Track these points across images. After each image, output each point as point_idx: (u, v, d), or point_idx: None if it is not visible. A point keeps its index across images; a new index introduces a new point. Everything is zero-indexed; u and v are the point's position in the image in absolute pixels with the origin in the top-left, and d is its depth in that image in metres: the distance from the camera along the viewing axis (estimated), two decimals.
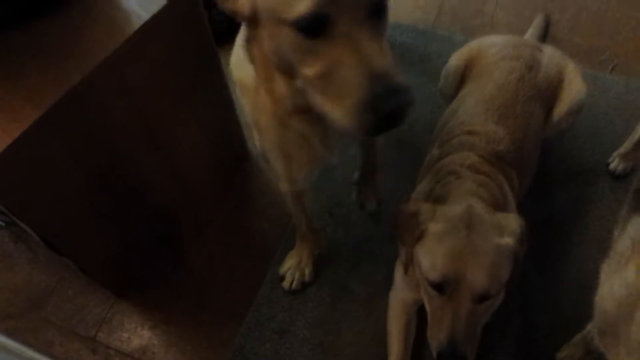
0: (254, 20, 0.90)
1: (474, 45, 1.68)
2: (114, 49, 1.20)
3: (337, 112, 0.84)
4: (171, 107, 1.47)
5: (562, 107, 1.55)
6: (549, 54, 1.60)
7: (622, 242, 1.08)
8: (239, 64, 1.10)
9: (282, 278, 1.61)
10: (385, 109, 0.80)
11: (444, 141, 1.44)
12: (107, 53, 1.19)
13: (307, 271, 1.60)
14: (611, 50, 2.02)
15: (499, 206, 1.23)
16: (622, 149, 1.71)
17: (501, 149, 1.38)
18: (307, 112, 0.95)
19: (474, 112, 1.46)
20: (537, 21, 2.00)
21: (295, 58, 0.85)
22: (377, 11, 0.83)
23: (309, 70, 0.84)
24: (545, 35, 2.00)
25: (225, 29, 2.06)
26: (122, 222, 1.54)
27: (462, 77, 1.65)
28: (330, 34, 0.81)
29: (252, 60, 0.99)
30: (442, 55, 1.99)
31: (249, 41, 0.97)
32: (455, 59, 1.67)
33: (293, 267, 1.60)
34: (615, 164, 1.72)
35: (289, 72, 0.90)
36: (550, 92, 1.55)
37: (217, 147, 1.75)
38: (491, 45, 1.64)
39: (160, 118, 1.45)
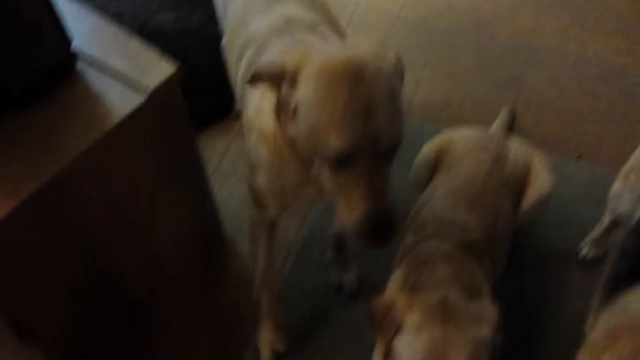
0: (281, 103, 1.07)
1: (444, 137, 1.75)
2: (93, 142, 1.22)
3: (343, 215, 1.04)
4: (148, 195, 1.48)
5: (530, 198, 1.59)
6: (516, 147, 1.67)
7: (596, 334, 1.09)
8: (261, 113, 1.20)
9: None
10: (374, 231, 1.02)
11: (417, 229, 1.46)
12: (85, 146, 1.21)
13: (278, 344, 1.62)
14: (576, 140, 2.11)
15: (473, 295, 1.24)
16: (592, 236, 1.76)
17: (473, 238, 1.40)
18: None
19: (445, 201, 1.50)
20: (503, 114, 2.09)
21: (318, 168, 1.05)
22: (389, 156, 1.03)
23: (327, 177, 1.04)
24: (511, 127, 2.09)
25: (203, 119, 2.13)
26: (94, 303, 1.51)
27: (434, 167, 1.70)
28: (352, 166, 1.00)
29: (277, 119, 1.11)
30: (414, 145, 2.04)
31: (279, 110, 1.09)
32: (427, 150, 1.73)
33: (262, 347, 1.62)
34: (586, 250, 1.76)
35: (307, 161, 1.07)
36: (518, 183, 1.60)
37: (193, 230, 1.76)
38: (461, 137, 1.71)
39: (137, 205, 1.46)
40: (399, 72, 1.08)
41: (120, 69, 1.35)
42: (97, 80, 1.34)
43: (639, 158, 1.42)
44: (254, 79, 1.06)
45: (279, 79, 1.04)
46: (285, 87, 1.04)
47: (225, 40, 1.62)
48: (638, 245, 1.17)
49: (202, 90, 2.13)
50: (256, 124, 1.23)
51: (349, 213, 1.03)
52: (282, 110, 1.08)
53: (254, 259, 1.54)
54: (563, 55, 2.41)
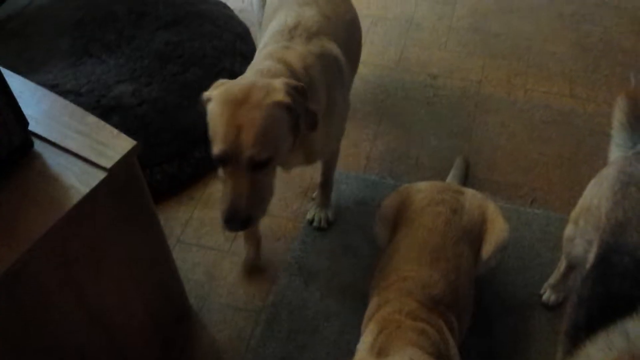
0: None
1: (402, 191, 1.80)
2: (52, 225, 1.21)
3: (220, 206, 1.38)
4: (108, 272, 1.46)
5: (488, 247, 1.64)
6: (470, 197, 1.73)
7: None
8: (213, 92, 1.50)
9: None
10: (227, 218, 1.35)
11: (382, 288, 1.48)
12: (44, 231, 1.20)
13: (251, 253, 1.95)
14: (528, 186, 2.18)
15: (440, 353, 1.26)
16: (552, 280, 1.80)
17: (437, 293, 1.43)
18: None
19: (408, 257, 1.54)
20: (457, 163, 2.16)
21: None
22: (256, 167, 1.35)
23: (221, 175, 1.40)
24: (466, 176, 2.15)
25: (165, 188, 2.13)
26: None
27: (394, 222, 1.74)
28: (226, 167, 1.36)
29: None
30: (375, 199, 2.10)
31: None
32: (387, 206, 1.77)
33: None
34: (548, 295, 1.80)
35: None
36: (475, 233, 1.65)
37: (156, 306, 1.73)
38: (418, 190, 1.76)
39: (97, 283, 1.44)
40: (283, 105, 1.35)
41: (79, 148, 1.35)
42: (55, 160, 1.34)
43: (587, 201, 1.48)
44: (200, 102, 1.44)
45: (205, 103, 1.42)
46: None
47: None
48: (593, 292, 1.21)
49: (162, 158, 2.13)
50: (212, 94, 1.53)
51: (222, 197, 1.38)
52: None
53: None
54: (510, 102, 2.51)
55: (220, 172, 1.42)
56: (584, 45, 2.77)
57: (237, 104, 1.34)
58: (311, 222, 2.06)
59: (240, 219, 1.35)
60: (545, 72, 2.65)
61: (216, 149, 1.35)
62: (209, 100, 1.40)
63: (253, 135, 1.31)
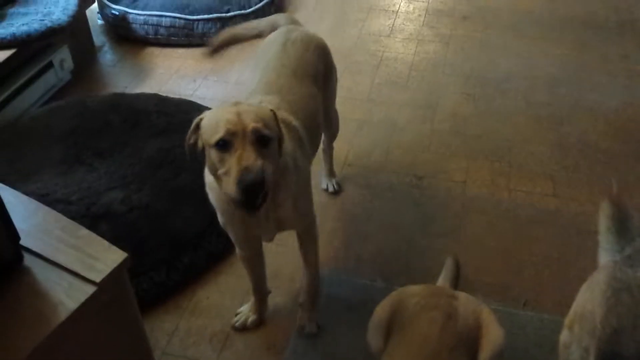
0: (204, 153, 1.55)
1: (395, 296, 1.78)
2: (38, 343, 1.18)
3: (226, 187, 1.46)
4: None
5: (484, 354, 1.60)
6: (464, 301, 1.71)
7: None
8: (207, 173, 1.66)
9: (236, 315, 2.07)
10: (243, 182, 1.41)
11: None
12: (30, 349, 1.17)
13: (250, 320, 2.05)
14: (520, 287, 2.18)
15: None
16: None
17: None
18: None
19: None
20: (448, 264, 2.15)
21: (216, 163, 1.48)
22: (259, 142, 1.46)
23: (221, 170, 1.47)
24: (457, 277, 2.14)
25: (152, 296, 2.10)
26: None
27: (388, 329, 1.71)
28: (230, 150, 1.45)
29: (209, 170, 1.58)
30: (367, 303, 2.06)
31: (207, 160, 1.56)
32: (379, 312, 1.74)
33: (244, 312, 2.07)
34: None
35: (216, 175, 1.52)
36: (471, 338, 1.62)
37: None
38: (411, 295, 1.74)
39: None
40: (271, 111, 1.57)
41: (68, 263, 1.35)
42: (45, 275, 1.33)
43: (580, 307, 1.47)
44: (187, 144, 1.59)
45: (197, 128, 1.55)
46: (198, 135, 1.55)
47: None
48: None
49: (150, 266, 2.12)
50: (206, 180, 1.71)
51: (228, 181, 1.44)
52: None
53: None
54: (495, 202, 2.56)
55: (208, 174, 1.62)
56: (563, 146, 2.87)
57: (232, 105, 1.54)
58: (300, 329, 2.02)
59: (261, 184, 1.42)
60: (527, 172, 2.72)
61: (220, 133, 1.45)
62: (200, 120, 1.56)
63: (254, 115, 1.48)
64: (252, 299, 2.06)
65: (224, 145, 1.45)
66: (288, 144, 1.71)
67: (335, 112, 2.38)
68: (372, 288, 2.16)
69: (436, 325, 1.60)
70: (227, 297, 2.16)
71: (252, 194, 1.44)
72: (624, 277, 1.32)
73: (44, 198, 2.13)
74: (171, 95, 3.12)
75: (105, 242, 1.42)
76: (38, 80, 3.06)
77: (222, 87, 3.36)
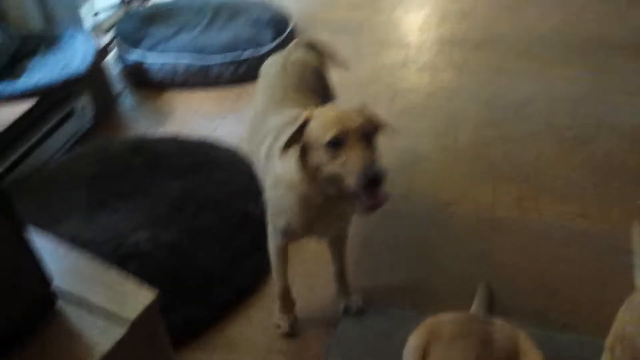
0: (304, 148, 1.65)
1: (428, 324, 1.74)
2: None
3: (349, 179, 1.55)
4: None
5: None
6: (500, 327, 1.67)
7: None
8: (288, 171, 1.75)
9: (278, 327, 2.13)
10: (369, 174, 1.51)
11: None
12: None
13: (292, 318, 2.13)
14: (556, 309, 2.12)
15: None
16: None
17: None
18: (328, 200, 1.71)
19: None
20: (480, 290, 2.12)
21: (325, 161, 1.59)
22: (368, 136, 1.59)
23: (332, 167, 1.58)
24: (491, 303, 2.10)
25: (182, 333, 2.08)
26: None
27: (423, 357, 1.66)
28: (343, 146, 1.56)
29: (301, 168, 1.68)
30: (399, 332, 2.00)
31: (301, 158, 1.67)
32: (414, 341, 1.71)
33: (281, 317, 2.13)
34: None
35: (318, 172, 1.64)
36: None
37: None
38: (445, 322, 1.71)
39: None
40: (370, 112, 1.68)
41: (100, 303, 1.35)
42: (77, 317, 1.33)
43: (620, 329, 1.43)
44: (288, 142, 1.64)
45: (302, 127, 1.63)
46: (304, 132, 1.63)
47: (247, 138, 2.25)
48: None
49: (179, 302, 2.10)
50: (286, 179, 1.76)
51: (350, 171, 1.54)
52: (304, 147, 1.65)
53: (276, 273, 2.08)
54: (524, 224, 2.52)
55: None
56: (589, 166, 2.83)
57: (338, 109, 1.68)
58: (346, 311, 2.17)
59: (383, 176, 1.52)
60: (554, 194, 2.68)
61: (330, 133, 1.56)
62: (305, 122, 1.64)
63: (360, 114, 1.61)
64: (279, 304, 2.13)
65: (336, 143, 1.56)
66: None
67: None
68: (403, 316, 2.11)
69: (473, 354, 1.56)
70: (258, 331, 2.13)
71: (375, 185, 1.54)
72: None
73: (72, 241, 2.14)
74: (191, 137, 3.15)
75: (136, 281, 1.42)
76: (61, 128, 3.11)
77: (241, 125, 3.38)
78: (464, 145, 3.06)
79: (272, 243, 2.03)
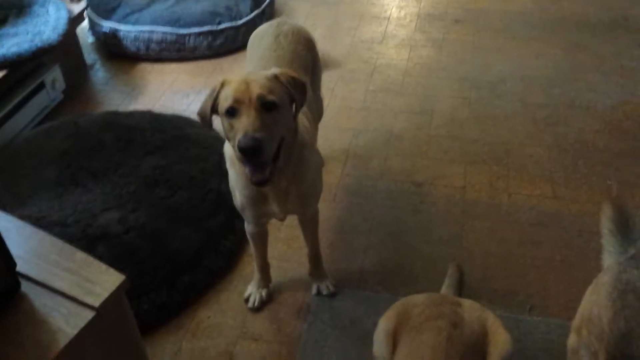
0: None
1: (398, 306, 1.76)
2: None
3: (233, 149, 1.59)
4: None
5: (494, 358, 1.58)
6: (469, 308, 1.69)
7: None
8: (228, 148, 1.77)
9: (246, 300, 2.16)
10: (241, 142, 1.51)
11: None
12: None
13: (263, 293, 2.16)
14: (524, 292, 2.16)
15: None
16: None
17: None
18: None
19: None
20: (451, 272, 2.14)
21: (228, 131, 1.60)
22: (267, 107, 1.56)
23: (232, 135, 1.58)
24: (461, 285, 2.12)
25: (153, 317, 2.07)
26: None
27: (393, 341, 1.68)
28: (238, 116, 1.56)
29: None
30: (370, 315, 2.05)
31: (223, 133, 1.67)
32: (384, 323, 1.73)
33: (254, 291, 2.17)
34: None
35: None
36: (478, 346, 1.60)
37: None
38: (415, 305, 1.72)
39: None
40: (277, 77, 1.65)
41: (65, 288, 1.32)
42: (42, 302, 1.30)
43: (587, 310, 1.45)
44: (203, 111, 1.68)
45: (214, 93, 1.64)
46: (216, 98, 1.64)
47: None
48: None
49: (150, 286, 2.09)
50: (228, 155, 1.79)
51: (235, 139, 1.54)
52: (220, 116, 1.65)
53: (254, 253, 2.12)
54: (495, 206, 2.54)
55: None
56: (560, 147, 2.86)
57: (242, 80, 1.61)
58: (318, 293, 2.19)
59: (255, 140, 1.49)
60: (525, 174, 2.71)
61: (228, 101, 1.56)
62: (220, 88, 1.64)
63: (260, 84, 1.58)
64: (256, 277, 2.17)
65: (232, 112, 1.57)
66: (304, 121, 1.85)
67: (320, 98, 2.47)
68: (376, 299, 2.13)
69: (442, 335, 1.58)
70: (229, 316, 2.13)
71: (252, 157, 1.53)
72: (629, 278, 1.30)
73: (39, 222, 2.11)
74: (165, 112, 3.10)
75: (103, 265, 1.39)
76: (30, 101, 3.03)
77: None
78: (439, 124, 3.06)
79: (245, 228, 2.05)
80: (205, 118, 1.69)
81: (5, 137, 2.84)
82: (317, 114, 2.44)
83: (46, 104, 3.18)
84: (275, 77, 1.64)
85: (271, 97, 1.57)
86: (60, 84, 3.27)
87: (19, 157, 2.65)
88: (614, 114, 3.06)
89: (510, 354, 1.61)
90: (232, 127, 1.57)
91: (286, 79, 1.65)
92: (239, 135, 1.52)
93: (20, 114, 2.96)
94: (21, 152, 2.68)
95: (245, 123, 1.53)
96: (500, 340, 1.64)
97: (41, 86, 3.11)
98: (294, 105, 1.68)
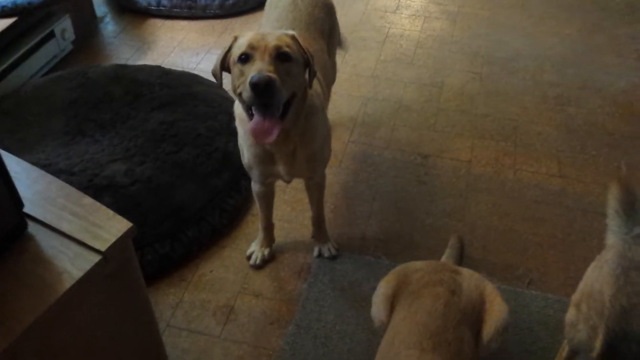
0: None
1: (399, 271, 1.77)
2: (42, 312, 1.17)
3: (244, 95, 1.54)
4: (97, 358, 1.40)
5: (488, 329, 1.60)
6: (468, 277, 1.71)
7: None
8: (237, 105, 1.77)
9: (249, 257, 2.18)
10: (253, 79, 1.48)
11: None
12: (34, 317, 1.15)
13: (266, 252, 2.18)
14: (524, 266, 2.17)
15: None
16: None
17: None
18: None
19: (409, 342, 1.49)
20: (452, 243, 2.15)
21: (238, 78, 1.58)
22: (282, 58, 1.55)
23: (242, 81, 1.56)
24: (461, 256, 2.14)
25: (156, 268, 2.09)
26: None
27: (392, 304, 1.70)
28: (251, 62, 1.54)
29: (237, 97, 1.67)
30: (370, 280, 2.07)
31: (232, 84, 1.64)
32: (383, 287, 1.74)
33: (256, 249, 2.18)
34: None
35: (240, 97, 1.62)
36: (475, 314, 1.62)
37: None
38: (415, 270, 1.74)
39: None
40: (296, 38, 1.64)
41: (73, 230, 1.33)
42: (49, 243, 1.31)
43: (588, 286, 1.46)
44: (220, 66, 1.67)
45: (228, 50, 1.63)
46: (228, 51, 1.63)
47: None
48: None
49: (154, 238, 2.10)
50: (237, 113, 1.78)
51: (244, 88, 1.52)
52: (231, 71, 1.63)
53: (260, 213, 2.13)
54: (500, 182, 2.54)
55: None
56: (569, 127, 2.84)
57: (260, 34, 1.60)
58: (319, 255, 2.21)
59: (268, 77, 1.47)
60: (533, 152, 2.70)
61: (242, 49, 1.55)
62: (235, 39, 1.63)
63: (276, 36, 1.57)
64: (260, 236, 2.18)
65: (245, 58, 1.54)
66: (317, 86, 1.83)
67: (334, 63, 2.43)
68: (376, 265, 2.15)
69: (440, 301, 1.59)
70: (230, 272, 2.15)
71: (263, 95, 1.49)
72: (634, 255, 1.30)
73: (46, 169, 2.09)
74: (174, 68, 3.08)
75: (110, 211, 1.40)
76: (39, 50, 3.02)
77: None
78: (448, 98, 3.04)
79: (252, 187, 2.05)
80: (216, 75, 1.68)
81: (14, 83, 2.83)
82: (331, 79, 2.44)
83: (55, 54, 3.16)
84: (293, 37, 1.63)
85: (287, 49, 1.56)
86: (70, 35, 3.25)
87: (27, 103, 2.64)
88: (626, 97, 3.04)
89: (506, 323, 1.63)
90: (242, 73, 1.55)
91: (303, 43, 1.64)
92: (251, 74, 1.49)
93: (29, 61, 2.95)
94: (29, 99, 2.67)
95: (259, 65, 1.51)
96: (497, 309, 1.65)
97: (51, 35, 3.09)
98: (307, 71, 1.67)
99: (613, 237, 1.58)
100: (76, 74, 2.83)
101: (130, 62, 3.25)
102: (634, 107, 2.97)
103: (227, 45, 1.65)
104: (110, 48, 3.48)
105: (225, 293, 2.08)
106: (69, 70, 2.94)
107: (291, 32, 1.66)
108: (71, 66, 3.14)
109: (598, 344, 1.27)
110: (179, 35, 3.56)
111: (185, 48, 3.44)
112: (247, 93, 1.52)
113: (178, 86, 2.78)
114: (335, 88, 2.65)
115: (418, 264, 1.79)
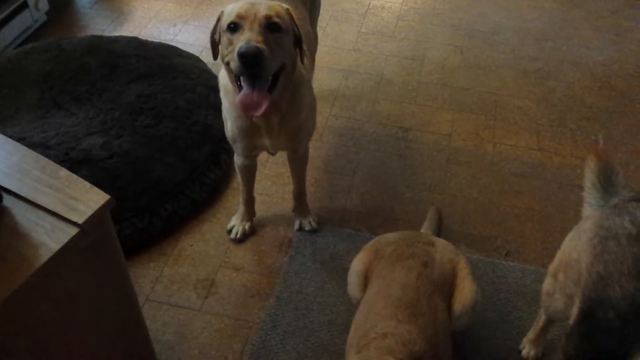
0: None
1: (371, 246, 1.78)
2: (20, 285, 1.15)
3: (232, 64, 1.51)
4: (77, 338, 1.39)
5: (457, 306, 1.61)
6: (441, 249, 1.72)
7: None
8: (223, 76, 1.75)
9: (229, 231, 2.17)
10: (241, 48, 1.45)
11: (361, 346, 1.44)
12: (11, 290, 1.14)
13: (247, 226, 2.17)
14: (502, 238, 2.20)
15: None
16: (530, 335, 1.79)
17: (418, 349, 1.40)
18: None
19: (384, 313, 1.51)
20: (430, 215, 2.16)
21: (227, 47, 1.55)
22: (271, 28, 1.53)
23: (230, 50, 1.53)
24: (440, 227, 2.15)
25: (135, 243, 2.07)
26: None
27: (366, 278, 1.71)
28: (240, 31, 1.51)
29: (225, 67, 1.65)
30: (350, 252, 2.07)
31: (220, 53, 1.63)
32: (358, 261, 1.75)
33: (237, 223, 2.17)
34: (527, 350, 1.78)
35: (227, 67, 1.59)
36: (447, 286, 1.64)
37: None
38: (387, 244, 1.74)
39: (64, 350, 1.37)
40: (287, 10, 1.62)
41: (50, 202, 1.30)
42: (25, 216, 1.29)
43: (565, 255, 1.48)
44: (213, 43, 1.66)
45: (218, 21, 1.61)
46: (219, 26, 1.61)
47: None
48: (579, 349, 1.20)
49: (132, 212, 2.08)
50: (223, 84, 1.76)
51: (232, 57, 1.49)
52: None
53: (241, 186, 2.12)
54: (480, 155, 2.56)
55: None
56: (549, 100, 2.86)
57: (249, 3, 1.57)
58: (300, 229, 2.21)
59: (257, 48, 1.45)
60: (512, 125, 2.72)
61: (231, 17, 1.52)
62: (222, 12, 1.61)
63: (267, 6, 1.54)
64: (241, 209, 2.18)
65: (234, 27, 1.52)
66: (306, 60, 1.81)
67: (316, 34, 2.42)
68: (357, 238, 2.16)
69: (413, 274, 1.60)
70: (211, 245, 2.15)
71: (251, 66, 1.47)
72: (611, 225, 1.32)
73: (21, 142, 2.04)
74: (151, 39, 3.02)
75: (87, 184, 1.38)
76: (12, 21, 2.93)
77: (203, 32, 3.26)
78: (429, 71, 3.04)
79: (235, 160, 2.03)
80: (213, 49, 1.69)
81: None
82: (314, 49, 2.41)
83: (29, 25, 3.08)
84: (288, 11, 1.61)
85: (277, 20, 1.53)
86: (44, 5, 3.16)
87: (0, 76, 2.57)
88: (604, 71, 3.06)
89: (474, 303, 1.63)
90: (231, 42, 1.53)
91: (295, 16, 1.63)
92: (239, 44, 1.47)
93: (2, 33, 2.87)
94: (2, 71, 2.60)
95: (247, 35, 1.48)
96: (466, 287, 1.65)
97: (24, 6, 3.00)
98: (297, 49, 1.66)
99: (590, 209, 1.60)
100: (50, 45, 2.76)
101: (106, 34, 3.18)
102: (612, 81, 3.00)
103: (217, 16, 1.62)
104: (86, 19, 3.40)
105: (206, 267, 2.07)
106: (43, 42, 2.86)
107: (286, 5, 1.63)
108: (45, 38, 3.06)
109: (575, 310, 1.29)
110: (156, 5, 3.48)
111: (163, 19, 3.37)
112: (234, 63, 1.49)
113: (155, 58, 2.73)
114: (316, 61, 2.62)
115: (391, 236, 1.79)
